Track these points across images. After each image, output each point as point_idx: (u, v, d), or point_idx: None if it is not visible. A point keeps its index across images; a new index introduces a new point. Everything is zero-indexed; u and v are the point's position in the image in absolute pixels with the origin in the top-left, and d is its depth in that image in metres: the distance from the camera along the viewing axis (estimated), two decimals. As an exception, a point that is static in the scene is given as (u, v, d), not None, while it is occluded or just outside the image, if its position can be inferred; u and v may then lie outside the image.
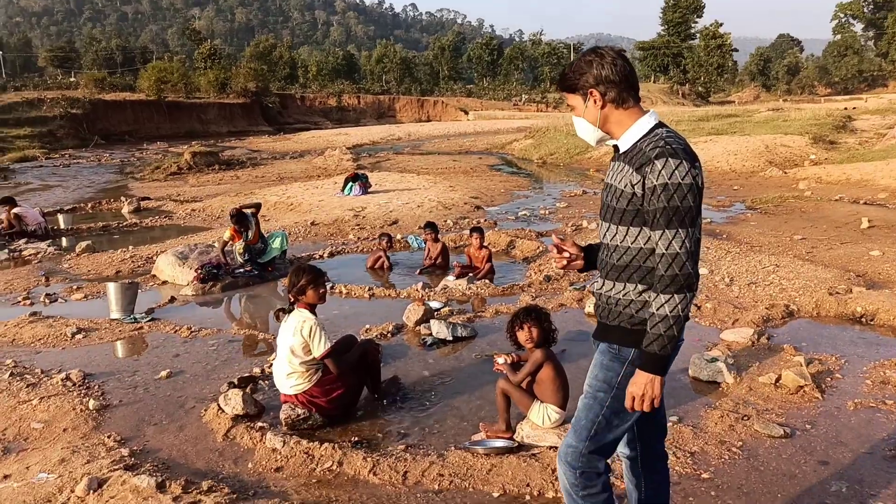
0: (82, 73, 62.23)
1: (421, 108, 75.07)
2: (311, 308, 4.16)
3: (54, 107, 41.14)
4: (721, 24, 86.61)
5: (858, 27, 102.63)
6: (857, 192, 12.13)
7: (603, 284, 2.35)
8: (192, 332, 5.97)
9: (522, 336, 3.79)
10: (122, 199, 15.02)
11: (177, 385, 4.83)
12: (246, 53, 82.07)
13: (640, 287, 2.22)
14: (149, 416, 4.33)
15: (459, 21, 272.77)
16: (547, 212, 11.93)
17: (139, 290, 6.97)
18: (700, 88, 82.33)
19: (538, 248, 8.82)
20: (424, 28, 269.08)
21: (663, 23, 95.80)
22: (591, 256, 2.50)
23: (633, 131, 2.20)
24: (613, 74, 2.17)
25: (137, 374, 5.06)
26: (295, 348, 4.03)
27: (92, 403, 4.42)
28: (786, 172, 15.45)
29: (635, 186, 2.12)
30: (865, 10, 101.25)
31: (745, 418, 3.94)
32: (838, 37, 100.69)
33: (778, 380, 4.41)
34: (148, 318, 6.41)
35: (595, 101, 2.22)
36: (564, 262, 2.51)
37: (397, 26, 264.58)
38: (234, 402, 4.22)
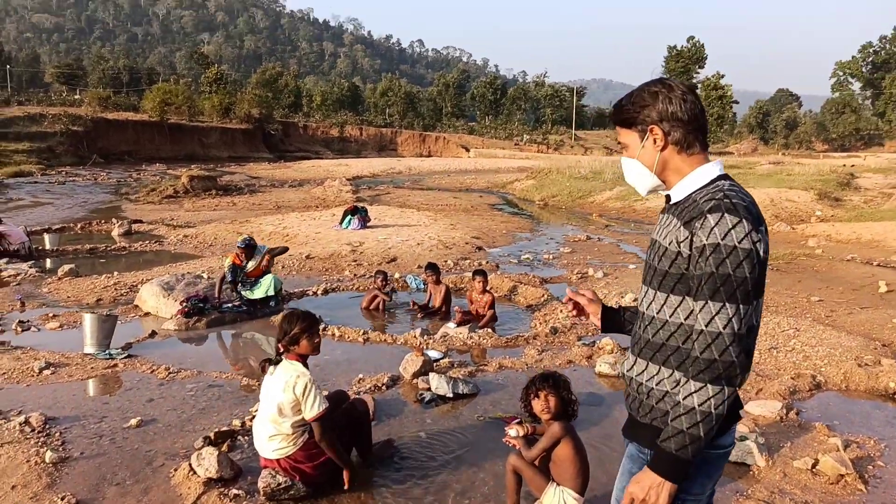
0: (87, 91, 62.36)
1: (422, 143, 75.43)
2: (303, 360, 3.71)
3: (55, 123, 41.05)
4: (723, 76, 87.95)
5: (857, 86, 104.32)
6: (869, 253, 11.80)
7: (633, 365, 1.94)
8: (169, 373, 5.51)
9: (538, 406, 3.35)
10: (114, 220, 14.61)
11: (147, 436, 4.35)
12: (252, 80, 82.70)
13: (676, 374, 1.79)
14: (111, 474, 3.84)
15: (464, 59, 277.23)
16: (551, 256, 11.55)
17: (118, 322, 6.51)
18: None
19: (542, 295, 8.41)
20: (430, 64, 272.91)
21: (666, 72, 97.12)
22: (610, 316, 2.16)
23: (690, 180, 1.83)
24: (682, 112, 1.80)
25: (105, 421, 4.58)
26: (284, 407, 3.55)
27: (49, 455, 3.94)
28: (794, 228, 15.17)
29: (681, 244, 1.73)
30: (864, 69, 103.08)
31: (782, 512, 3.49)
32: (836, 94, 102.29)
33: (815, 465, 3.97)
34: (124, 355, 5.94)
35: (655, 141, 1.84)
36: (575, 312, 2.22)
37: (403, 61, 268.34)
38: (207, 462, 3.75)
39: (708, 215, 1.67)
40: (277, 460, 3.58)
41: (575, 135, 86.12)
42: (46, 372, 5.41)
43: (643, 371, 1.87)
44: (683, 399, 1.69)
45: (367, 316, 7.77)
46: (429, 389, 5.15)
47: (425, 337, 6.59)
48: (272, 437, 3.58)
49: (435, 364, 5.72)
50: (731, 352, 1.64)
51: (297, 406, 3.54)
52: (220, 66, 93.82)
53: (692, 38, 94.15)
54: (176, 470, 3.83)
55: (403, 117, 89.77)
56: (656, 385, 1.83)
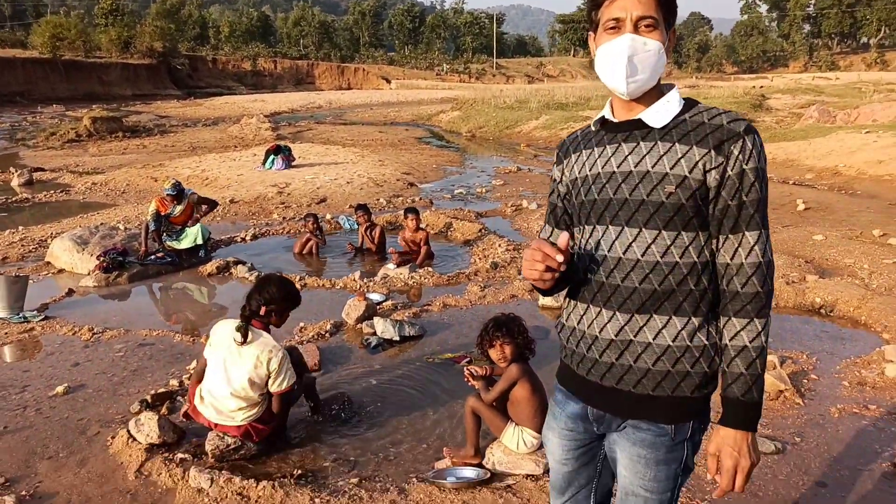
0: (-36, 26, 56.53)
1: (341, 76, 73.04)
2: (268, 328, 3.48)
3: (-70, 63, 37.13)
4: None
5: (764, 8, 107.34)
6: (785, 172, 12.31)
7: (607, 324, 1.59)
8: (94, 333, 5.15)
9: (495, 354, 3.29)
10: (12, 169, 13.43)
11: (76, 404, 4.06)
12: (152, 11, 76.71)
13: (695, 321, 1.54)
14: (42, 448, 3.56)
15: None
16: (483, 190, 11.46)
17: (30, 282, 6.01)
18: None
19: (479, 230, 8.34)
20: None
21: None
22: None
23: (674, 98, 1.58)
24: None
25: (28, 391, 4.24)
26: (256, 381, 3.35)
27: (-33, 433, 3.61)
28: (713, 150, 15.62)
29: (710, 172, 1.49)
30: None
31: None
32: (745, 17, 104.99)
33: (755, 383, 4.12)
34: (41, 317, 5.51)
35: (671, 38, 1.58)
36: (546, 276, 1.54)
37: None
38: (147, 427, 3.52)
39: (745, 137, 1.48)
40: (237, 426, 3.39)
41: (496, 63, 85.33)
42: (-47, 341, 4.96)
43: (638, 329, 1.56)
44: (731, 341, 1.52)
45: (301, 261, 7.50)
46: (374, 334, 5.03)
47: (365, 280, 6.43)
48: (240, 409, 3.37)
49: (378, 307, 5.58)
50: (770, 280, 1.52)
51: (268, 378, 3.38)
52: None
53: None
54: (113, 438, 3.58)
55: (319, 48, 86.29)
56: (673, 342, 1.54)
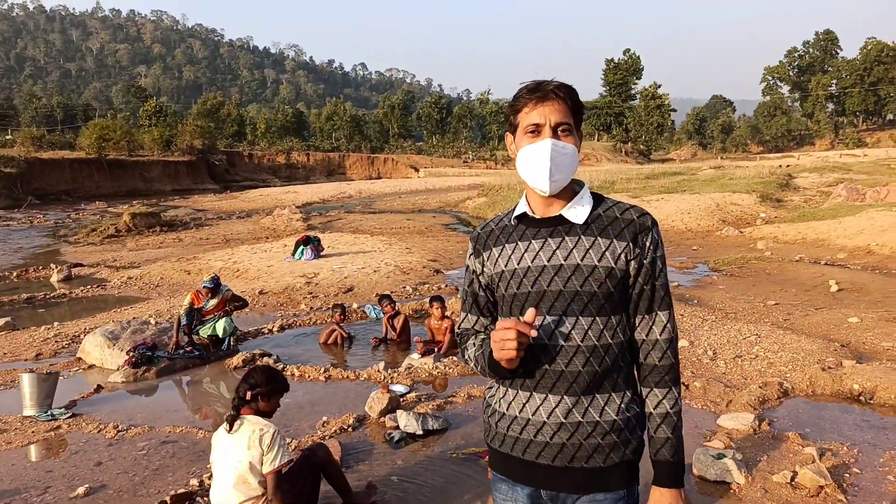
0: (19, 132, 60.12)
1: (371, 165, 75.22)
2: (262, 416, 3.49)
3: (-14, 165, 39.35)
4: (660, 86, 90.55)
5: (785, 89, 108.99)
6: (816, 252, 12.13)
7: (555, 408, 1.65)
8: (118, 431, 5.16)
9: None
10: (52, 266, 13.93)
11: (96, 506, 4.03)
12: (193, 111, 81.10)
13: (628, 394, 1.71)
14: (58, 553, 3.52)
15: (408, 80, 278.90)
16: (509, 275, 11.47)
17: (60, 378, 6.11)
18: (642, 146, 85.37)
19: (505, 317, 8.29)
20: (374, 87, 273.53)
21: (605, 84, 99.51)
22: None
23: (586, 195, 1.76)
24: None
25: (49, 492, 4.22)
26: (254, 464, 3.31)
27: (-14, 538, 3.59)
28: (741, 231, 15.52)
29: (630, 262, 1.67)
30: (791, 73, 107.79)
31: (769, 532, 3.42)
32: (767, 98, 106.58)
33: (794, 478, 3.93)
34: (68, 415, 5.55)
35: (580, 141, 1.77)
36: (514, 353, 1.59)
37: (347, 85, 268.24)
38: (165, 532, 3.47)
39: (653, 230, 1.71)
40: (245, 526, 3.32)
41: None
42: (-19, 441, 5.01)
43: (586, 409, 1.65)
44: (655, 409, 1.70)
45: (326, 351, 7.52)
46: (397, 428, 4.95)
47: (389, 371, 6.39)
48: (246, 502, 3.32)
49: (402, 399, 5.52)
50: (677, 353, 1.73)
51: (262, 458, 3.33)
52: (159, 98, 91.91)
53: (628, 50, 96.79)
54: (130, 543, 3.53)
55: (350, 140, 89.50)
56: (619, 416, 1.66)
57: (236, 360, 6.90)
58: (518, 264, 1.73)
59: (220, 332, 7.30)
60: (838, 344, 6.52)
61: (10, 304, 10.60)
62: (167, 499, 3.94)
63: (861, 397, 5.27)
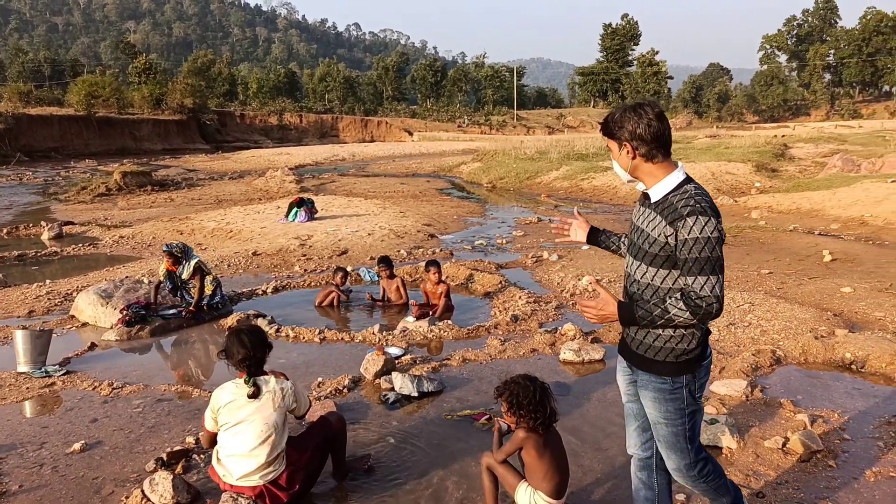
0: (6, 86, 58.96)
1: (365, 128, 74.51)
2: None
3: (-28, 121, 38.65)
4: (657, 52, 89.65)
5: (783, 58, 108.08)
6: (810, 223, 12.16)
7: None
8: (113, 388, 5.15)
9: (507, 418, 3.20)
10: (43, 223, 13.79)
11: (92, 461, 4.03)
12: (183, 69, 79.52)
13: (658, 310, 2.45)
14: (55, 508, 3.53)
15: (403, 42, 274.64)
16: (504, 241, 11.47)
17: (54, 335, 6.07)
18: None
19: (499, 282, 8.30)
20: (367, 48, 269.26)
21: (602, 49, 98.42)
22: (593, 236, 2.99)
23: (664, 184, 2.47)
24: (647, 134, 2.42)
25: (45, 448, 4.23)
26: (279, 423, 3.35)
27: (-18, 492, 3.59)
28: (736, 201, 15.52)
29: (668, 238, 2.38)
30: (789, 42, 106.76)
31: (761, 496, 3.47)
32: (765, 67, 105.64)
33: (785, 443, 3.98)
34: (62, 371, 5.54)
35: (627, 152, 2.49)
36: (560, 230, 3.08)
37: (340, 45, 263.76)
38: (162, 488, 3.48)
39: (687, 218, 2.32)
40: (252, 486, 3.33)
41: (517, 115, 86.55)
42: (-25, 396, 4.99)
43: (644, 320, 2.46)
44: (656, 312, 2.41)
45: (321, 313, 7.51)
46: (392, 389, 4.97)
47: (384, 333, 6.39)
48: (271, 462, 3.33)
49: (397, 361, 5.54)
50: (716, 307, 2.33)
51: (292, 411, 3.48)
52: (149, 55, 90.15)
53: (626, 15, 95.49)
54: (127, 498, 3.55)
55: (344, 103, 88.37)
56: (663, 331, 2.51)
57: (230, 320, 6.88)
58: (635, 220, 2.64)
59: (208, 290, 7.20)
60: (831, 313, 6.57)
61: (0, 261, 10.51)
62: (164, 455, 3.95)
63: (853, 366, 5.32)
